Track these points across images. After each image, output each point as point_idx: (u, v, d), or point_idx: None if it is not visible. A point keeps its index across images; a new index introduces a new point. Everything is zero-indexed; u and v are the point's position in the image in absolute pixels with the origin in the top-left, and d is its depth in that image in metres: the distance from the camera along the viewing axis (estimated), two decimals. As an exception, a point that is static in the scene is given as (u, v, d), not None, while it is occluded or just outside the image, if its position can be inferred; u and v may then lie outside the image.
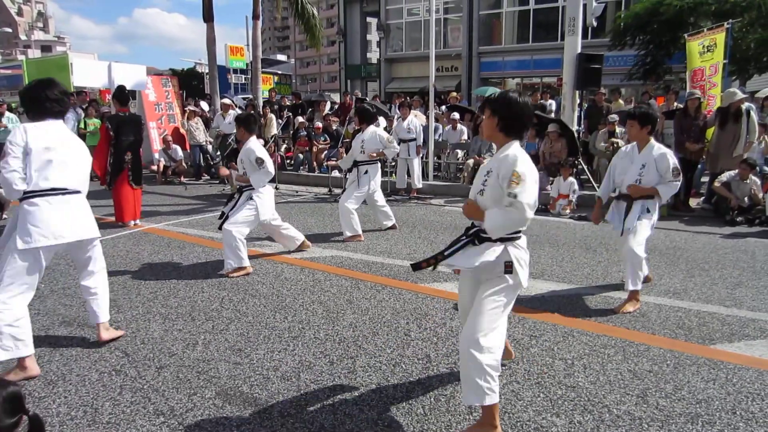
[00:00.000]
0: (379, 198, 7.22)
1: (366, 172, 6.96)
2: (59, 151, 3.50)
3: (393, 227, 7.38)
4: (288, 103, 15.33)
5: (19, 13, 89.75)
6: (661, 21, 16.19)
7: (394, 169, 10.70)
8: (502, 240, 2.69)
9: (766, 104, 10.42)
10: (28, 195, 3.38)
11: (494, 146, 2.88)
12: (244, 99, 17.99)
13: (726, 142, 8.13)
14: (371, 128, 7.04)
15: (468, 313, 2.78)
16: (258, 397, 3.12)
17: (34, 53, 65.23)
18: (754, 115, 8.15)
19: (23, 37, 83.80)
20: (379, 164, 7.21)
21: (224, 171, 7.83)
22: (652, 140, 4.57)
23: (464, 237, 2.78)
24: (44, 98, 3.53)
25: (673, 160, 4.47)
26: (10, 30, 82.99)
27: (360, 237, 6.79)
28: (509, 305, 2.76)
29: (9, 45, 79.27)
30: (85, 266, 3.77)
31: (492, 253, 2.67)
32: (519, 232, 2.75)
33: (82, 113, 12.45)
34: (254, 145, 5.57)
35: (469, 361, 2.60)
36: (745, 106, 8.07)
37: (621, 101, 13.06)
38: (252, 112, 11.10)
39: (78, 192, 3.63)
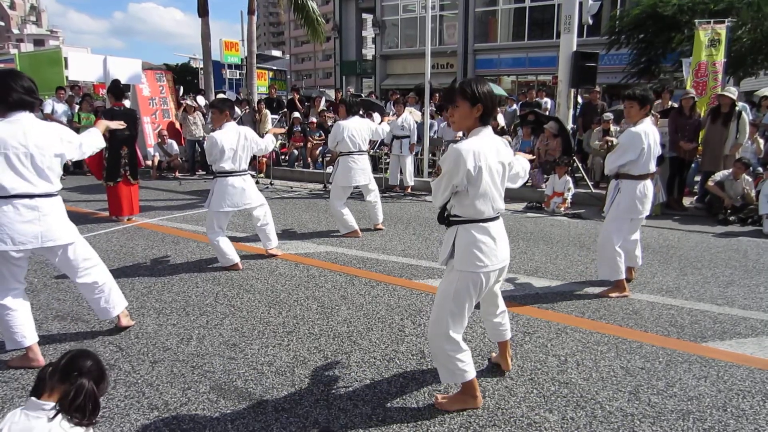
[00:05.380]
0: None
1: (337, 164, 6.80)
2: None
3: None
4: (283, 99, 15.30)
5: (12, 6, 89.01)
6: (656, 21, 16.19)
7: (387, 166, 10.71)
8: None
9: (763, 103, 10.43)
10: None
11: None
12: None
13: (713, 141, 8.16)
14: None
15: None
16: (252, 391, 3.12)
17: (27, 47, 64.67)
18: (746, 115, 8.15)
19: (16, 31, 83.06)
20: (346, 158, 6.67)
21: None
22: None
23: None
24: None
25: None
26: (2, 23, 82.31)
27: (357, 233, 6.77)
28: None
29: (1, 38, 78.56)
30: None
31: None
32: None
33: (76, 107, 12.43)
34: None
35: None
36: (738, 106, 8.08)
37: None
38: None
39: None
